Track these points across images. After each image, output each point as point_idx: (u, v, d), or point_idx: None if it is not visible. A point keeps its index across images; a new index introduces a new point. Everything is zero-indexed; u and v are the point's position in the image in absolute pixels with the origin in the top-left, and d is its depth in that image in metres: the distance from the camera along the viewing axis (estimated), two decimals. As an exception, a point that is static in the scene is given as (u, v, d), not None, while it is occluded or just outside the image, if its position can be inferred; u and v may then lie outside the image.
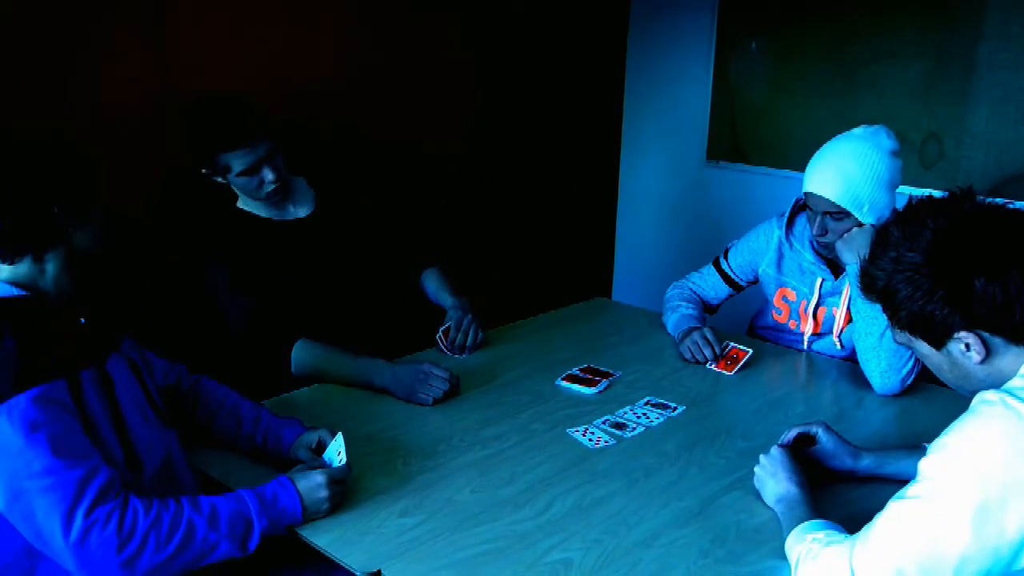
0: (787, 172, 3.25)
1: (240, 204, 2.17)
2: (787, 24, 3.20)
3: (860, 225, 2.02)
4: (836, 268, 2.17)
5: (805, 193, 2.07)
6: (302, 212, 2.23)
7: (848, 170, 1.98)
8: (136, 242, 2.16)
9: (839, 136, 2.07)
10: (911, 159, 2.93)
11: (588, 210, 3.76)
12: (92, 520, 1.23)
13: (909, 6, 2.89)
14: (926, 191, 1.28)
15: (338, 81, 2.64)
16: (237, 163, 2.02)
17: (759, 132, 3.36)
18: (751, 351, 2.16)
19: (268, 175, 2.05)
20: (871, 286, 1.28)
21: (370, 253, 2.30)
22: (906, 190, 2.85)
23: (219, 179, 2.08)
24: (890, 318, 1.28)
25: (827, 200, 2.00)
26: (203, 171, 2.06)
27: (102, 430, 1.33)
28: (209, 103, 2.03)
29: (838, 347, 2.21)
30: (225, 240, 2.11)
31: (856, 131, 2.05)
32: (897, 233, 1.24)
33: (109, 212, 1.45)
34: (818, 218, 2.05)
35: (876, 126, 2.06)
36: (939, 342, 1.24)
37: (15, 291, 1.33)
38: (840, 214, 2.01)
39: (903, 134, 2.88)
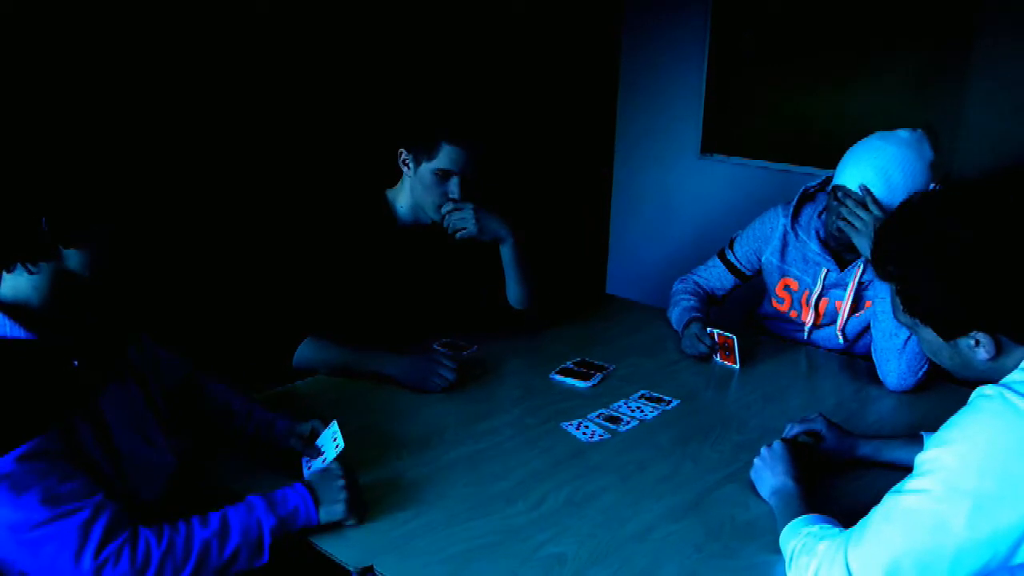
0: (782, 164, 3.24)
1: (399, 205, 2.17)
2: (782, 15, 3.18)
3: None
4: (841, 260, 2.15)
5: (837, 186, 2.02)
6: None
7: (894, 178, 1.96)
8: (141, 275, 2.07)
9: (884, 136, 2.01)
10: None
11: (582, 203, 3.75)
12: (103, 560, 1.21)
13: (904, -2, 2.88)
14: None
15: (329, 77, 2.62)
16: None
17: (753, 124, 3.36)
18: (734, 336, 2.10)
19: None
20: (886, 266, 1.21)
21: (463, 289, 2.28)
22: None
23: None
24: (902, 302, 1.23)
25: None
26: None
27: (101, 466, 1.29)
28: None
29: (840, 340, 2.19)
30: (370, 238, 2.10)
31: (902, 134, 2.00)
32: (927, 216, 1.15)
33: (114, 237, 1.31)
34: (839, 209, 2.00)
35: (918, 131, 2.01)
36: (949, 336, 1.21)
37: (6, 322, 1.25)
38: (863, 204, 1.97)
39: (898, 125, 2.88)
